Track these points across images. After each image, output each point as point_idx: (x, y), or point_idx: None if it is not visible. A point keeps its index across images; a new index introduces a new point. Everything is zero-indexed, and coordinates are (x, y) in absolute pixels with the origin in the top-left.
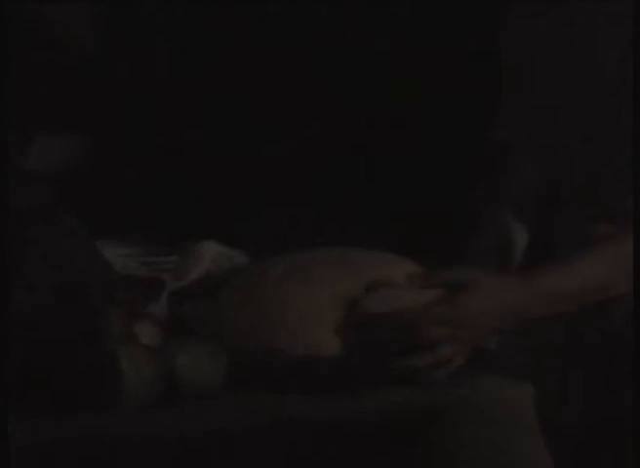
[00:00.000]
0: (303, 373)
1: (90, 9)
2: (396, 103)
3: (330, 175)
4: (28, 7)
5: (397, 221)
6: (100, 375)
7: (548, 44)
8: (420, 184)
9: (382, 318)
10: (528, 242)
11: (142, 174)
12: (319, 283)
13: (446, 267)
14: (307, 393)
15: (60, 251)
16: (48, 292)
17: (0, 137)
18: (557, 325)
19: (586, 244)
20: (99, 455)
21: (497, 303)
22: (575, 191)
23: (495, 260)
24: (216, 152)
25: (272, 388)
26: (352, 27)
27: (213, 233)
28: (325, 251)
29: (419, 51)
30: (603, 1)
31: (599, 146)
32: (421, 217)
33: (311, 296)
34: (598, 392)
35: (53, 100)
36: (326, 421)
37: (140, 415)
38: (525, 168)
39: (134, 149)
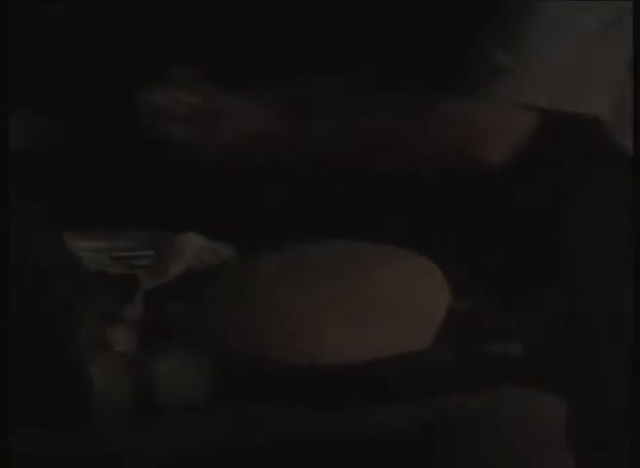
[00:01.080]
0: (302, 384)
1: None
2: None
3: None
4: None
5: (398, 217)
6: (67, 386)
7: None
8: (420, 181)
9: None
10: None
11: (117, 161)
12: (319, 280)
13: None
14: (306, 406)
15: (20, 243)
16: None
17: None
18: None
19: None
20: None
21: None
22: None
23: None
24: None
25: (266, 400)
26: (352, 27)
27: (196, 226)
28: (324, 245)
29: (418, 50)
30: (603, 1)
31: None
32: (423, 211)
33: (311, 296)
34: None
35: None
36: (327, 438)
37: (112, 431)
38: None
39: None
